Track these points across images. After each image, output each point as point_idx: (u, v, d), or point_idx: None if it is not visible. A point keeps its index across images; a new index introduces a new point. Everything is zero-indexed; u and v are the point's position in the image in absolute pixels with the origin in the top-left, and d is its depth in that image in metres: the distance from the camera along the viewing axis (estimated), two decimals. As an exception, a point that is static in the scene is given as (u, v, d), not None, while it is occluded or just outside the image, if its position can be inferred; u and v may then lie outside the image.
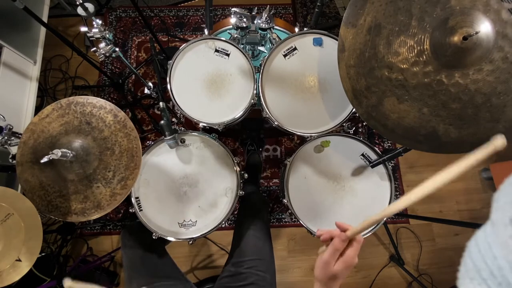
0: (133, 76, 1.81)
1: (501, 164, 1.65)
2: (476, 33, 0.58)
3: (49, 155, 0.66)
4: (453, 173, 0.44)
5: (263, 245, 0.97)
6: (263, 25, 0.94)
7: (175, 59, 0.95)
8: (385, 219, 0.90)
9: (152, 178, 0.96)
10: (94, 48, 0.92)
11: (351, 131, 1.01)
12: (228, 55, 0.96)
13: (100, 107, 0.77)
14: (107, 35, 0.90)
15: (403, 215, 1.68)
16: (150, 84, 1.15)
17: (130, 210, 0.94)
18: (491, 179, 1.69)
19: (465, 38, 0.59)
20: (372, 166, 0.98)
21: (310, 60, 0.95)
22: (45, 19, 1.64)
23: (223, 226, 0.98)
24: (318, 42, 0.95)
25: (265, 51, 1.07)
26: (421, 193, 0.47)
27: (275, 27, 1.15)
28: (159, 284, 0.87)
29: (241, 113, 0.94)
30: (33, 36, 1.60)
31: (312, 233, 0.96)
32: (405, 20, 0.64)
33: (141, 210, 0.94)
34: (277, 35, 1.13)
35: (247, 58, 0.95)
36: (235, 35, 1.01)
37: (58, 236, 1.57)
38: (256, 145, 1.66)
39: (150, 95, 1.26)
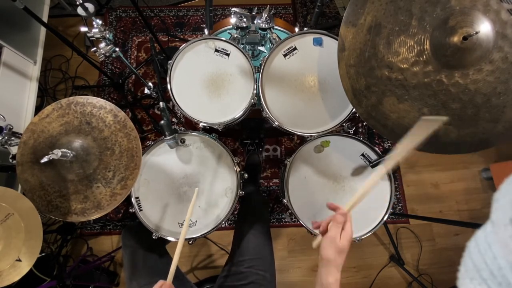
0: (133, 76, 1.81)
1: (501, 164, 1.65)
2: (476, 33, 0.58)
3: (49, 155, 0.66)
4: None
5: (263, 244, 0.97)
6: (263, 25, 0.94)
7: (175, 59, 0.95)
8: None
9: (152, 178, 0.96)
10: (94, 48, 0.92)
11: (351, 131, 1.01)
12: (228, 55, 0.96)
13: (100, 107, 0.77)
14: (107, 35, 0.90)
15: (403, 215, 1.68)
16: (150, 84, 1.15)
17: (130, 210, 0.94)
18: (491, 179, 1.69)
19: (465, 38, 0.59)
20: (372, 166, 0.98)
21: (310, 60, 0.95)
22: (45, 19, 1.64)
23: (223, 226, 0.98)
24: (318, 42, 0.95)
25: (265, 51, 1.07)
26: (400, 154, 0.55)
27: (275, 27, 1.15)
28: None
29: (241, 113, 0.94)
30: (33, 36, 1.60)
31: (312, 233, 0.96)
32: (405, 20, 0.64)
33: (141, 210, 0.94)
34: (277, 35, 1.13)
35: (247, 58, 0.95)
36: (235, 35, 1.01)
37: (58, 236, 1.57)
38: (256, 145, 1.66)
39: (150, 95, 1.26)
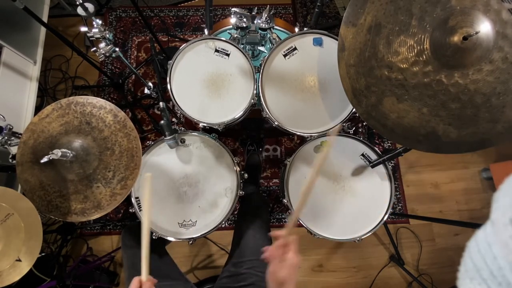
0: (133, 76, 1.80)
1: (501, 164, 1.65)
2: (476, 33, 0.58)
3: (49, 155, 0.66)
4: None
5: (263, 245, 0.96)
6: (263, 25, 0.94)
7: (175, 59, 0.95)
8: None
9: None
10: (94, 48, 0.92)
11: (351, 131, 1.01)
12: (228, 55, 0.96)
13: (100, 107, 0.77)
14: (107, 35, 0.90)
15: (403, 215, 1.68)
16: (150, 84, 1.15)
17: (130, 210, 0.94)
18: (491, 179, 1.68)
19: (465, 38, 0.59)
20: (372, 166, 0.98)
21: (310, 60, 0.95)
22: (45, 19, 1.64)
23: (223, 226, 0.98)
24: (318, 42, 0.95)
25: (265, 51, 1.07)
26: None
27: (275, 27, 1.15)
28: (159, 284, 0.86)
29: (241, 113, 0.94)
30: (33, 36, 1.60)
31: (312, 233, 0.96)
32: (405, 20, 0.64)
33: (141, 210, 0.94)
34: (277, 35, 1.13)
35: (247, 58, 0.95)
36: (235, 35, 1.01)
37: (58, 236, 1.57)
38: (256, 145, 1.66)
39: (150, 95, 1.26)
